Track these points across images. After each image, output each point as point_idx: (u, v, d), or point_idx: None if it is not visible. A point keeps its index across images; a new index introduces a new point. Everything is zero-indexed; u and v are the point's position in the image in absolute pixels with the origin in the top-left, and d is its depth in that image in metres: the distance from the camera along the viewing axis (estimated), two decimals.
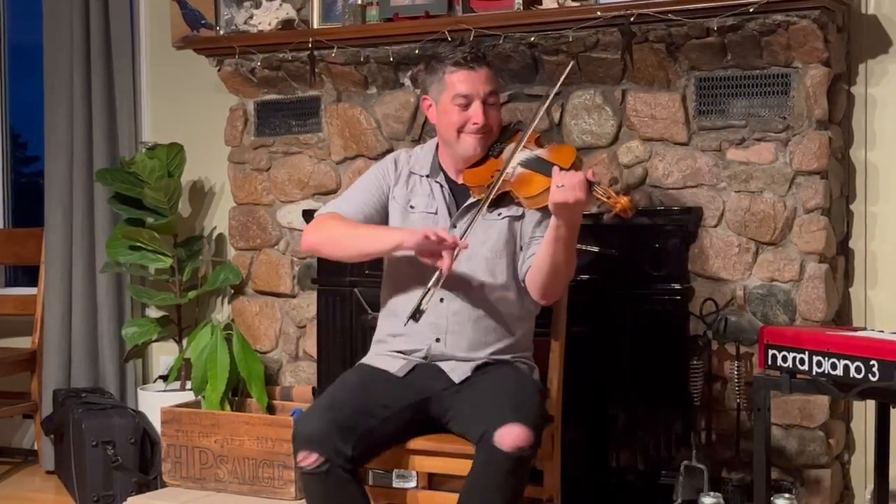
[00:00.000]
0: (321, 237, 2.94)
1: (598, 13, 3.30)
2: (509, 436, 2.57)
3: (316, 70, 3.83)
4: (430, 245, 2.72)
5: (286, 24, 3.90)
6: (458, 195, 2.97)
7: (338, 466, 2.67)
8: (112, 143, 4.43)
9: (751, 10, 3.14)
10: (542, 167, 2.80)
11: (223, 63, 4.02)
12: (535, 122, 2.91)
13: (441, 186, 2.98)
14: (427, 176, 3.01)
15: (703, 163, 3.39)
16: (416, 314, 2.74)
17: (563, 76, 2.90)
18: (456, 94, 2.90)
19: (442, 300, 2.86)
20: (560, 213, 2.66)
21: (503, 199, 2.89)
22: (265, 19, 3.90)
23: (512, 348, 2.94)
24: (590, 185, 2.64)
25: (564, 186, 2.62)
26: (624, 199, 2.64)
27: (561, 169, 2.70)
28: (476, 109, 2.89)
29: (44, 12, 4.54)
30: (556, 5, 3.43)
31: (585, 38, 3.39)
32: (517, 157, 2.86)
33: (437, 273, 2.73)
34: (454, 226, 2.92)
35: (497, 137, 2.96)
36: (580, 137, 3.54)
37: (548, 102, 2.97)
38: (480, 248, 2.87)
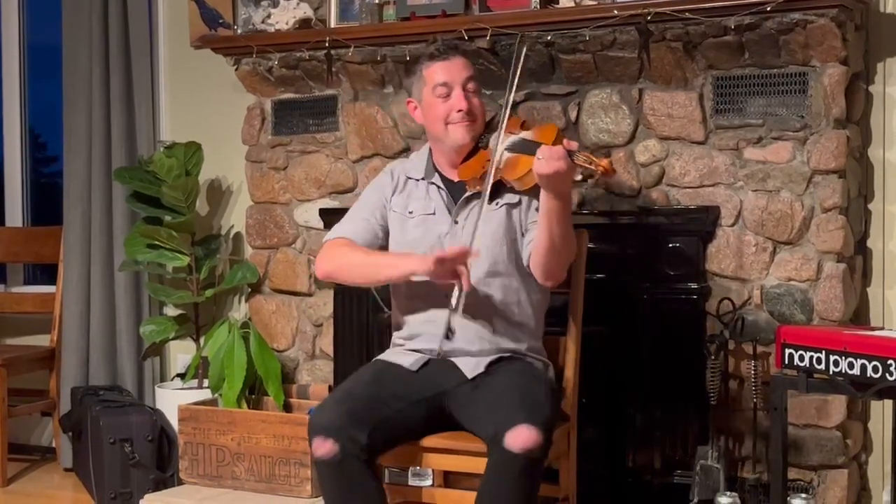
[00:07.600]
0: (334, 265, 2.98)
1: (616, 12, 3.30)
2: (519, 437, 2.58)
3: (333, 69, 3.84)
4: (442, 268, 2.75)
5: (303, 23, 3.91)
6: (454, 192, 2.99)
7: (353, 455, 2.68)
8: (130, 142, 4.45)
9: (768, 8, 3.13)
10: (526, 148, 2.82)
11: (241, 62, 4.03)
12: (509, 104, 2.88)
13: (438, 188, 3.01)
14: (422, 179, 3.04)
15: (720, 162, 3.38)
16: (449, 333, 2.81)
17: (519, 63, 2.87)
18: (435, 84, 2.95)
19: (447, 296, 2.86)
20: (546, 185, 2.70)
21: (499, 188, 2.91)
22: (282, 18, 3.91)
23: (522, 338, 2.95)
24: (570, 154, 2.67)
25: (543, 158, 2.66)
26: (605, 161, 2.66)
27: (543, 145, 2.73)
28: (457, 96, 2.94)
29: (63, 13, 4.56)
30: (573, 4, 3.43)
31: (602, 36, 3.38)
32: (503, 142, 2.88)
33: (456, 290, 2.77)
34: (455, 221, 2.95)
35: (484, 129, 2.99)
36: (597, 136, 3.54)
37: (515, 83, 2.90)
38: (481, 238, 2.87)
